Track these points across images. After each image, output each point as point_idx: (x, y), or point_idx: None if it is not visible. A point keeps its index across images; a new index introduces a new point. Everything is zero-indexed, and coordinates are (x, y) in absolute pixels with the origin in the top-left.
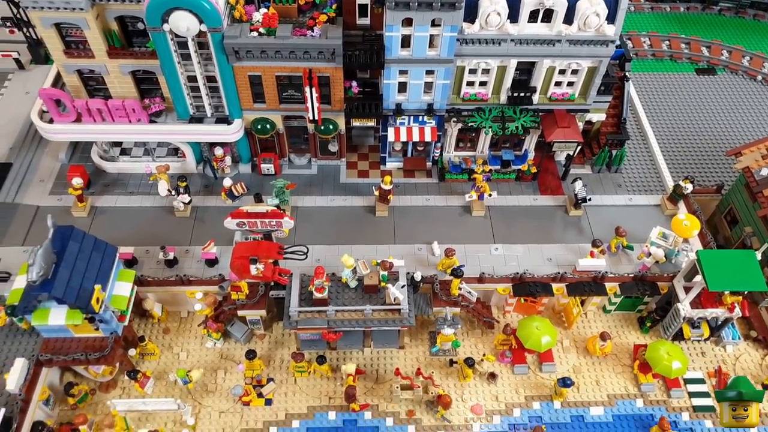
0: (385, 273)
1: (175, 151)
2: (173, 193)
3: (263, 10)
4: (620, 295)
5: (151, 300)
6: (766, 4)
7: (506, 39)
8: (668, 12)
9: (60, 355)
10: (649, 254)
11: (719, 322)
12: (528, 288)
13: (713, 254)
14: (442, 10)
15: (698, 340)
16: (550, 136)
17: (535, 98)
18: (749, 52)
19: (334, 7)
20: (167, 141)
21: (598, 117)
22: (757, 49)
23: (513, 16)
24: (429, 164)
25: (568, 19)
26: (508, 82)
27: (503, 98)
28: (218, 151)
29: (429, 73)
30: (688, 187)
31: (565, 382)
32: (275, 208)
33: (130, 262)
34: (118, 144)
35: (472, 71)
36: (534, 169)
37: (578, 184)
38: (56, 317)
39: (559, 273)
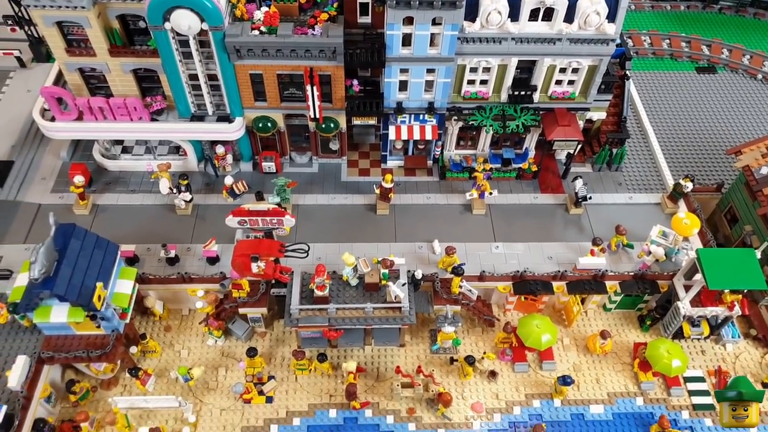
0: (386, 271)
1: (176, 150)
2: (174, 191)
3: (264, 9)
4: (620, 293)
5: (152, 298)
6: (766, 3)
7: (507, 38)
8: (669, 11)
9: (61, 352)
10: (650, 253)
11: (719, 321)
12: (528, 286)
13: (713, 253)
14: (443, 8)
15: (698, 339)
16: (550, 134)
17: (536, 97)
18: (749, 50)
19: (335, 5)
20: (168, 139)
21: (598, 115)
22: (757, 47)
23: (514, 15)
24: (430, 162)
25: (569, 17)
26: (508, 81)
27: (504, 97)
28: (219, 150)
29: (430, 71)
30: (689, 186)
31: (565, 381)
32: (276, 206)
33: (132, 260)
34: (119, 142)
35: (473, 70)
36: (534, 168)
37: (579, 183)
38: (58, 315)
39: (559, 271)
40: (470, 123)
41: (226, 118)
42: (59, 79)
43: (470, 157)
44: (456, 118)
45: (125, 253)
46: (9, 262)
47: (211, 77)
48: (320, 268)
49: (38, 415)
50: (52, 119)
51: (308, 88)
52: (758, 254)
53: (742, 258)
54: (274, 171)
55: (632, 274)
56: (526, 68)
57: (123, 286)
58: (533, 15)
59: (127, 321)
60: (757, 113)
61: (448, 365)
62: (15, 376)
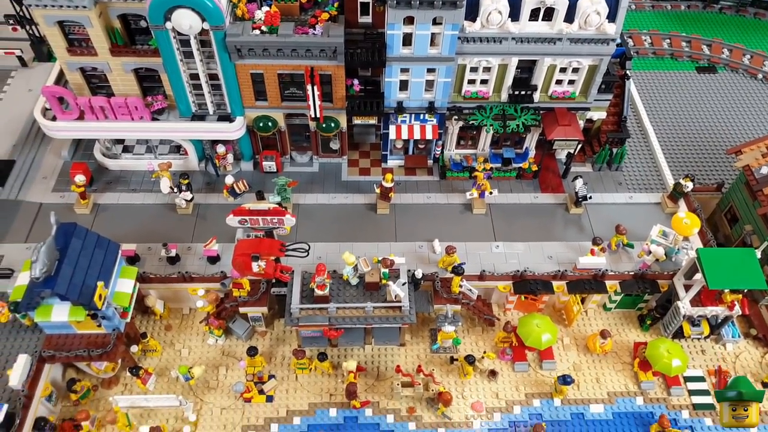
0: (386, 270)
1: (177, 149)
2: (175, 190)
3: (265, 8)
4: (620, 292)
5: (153, 297)
6: (766, 3)
7: (507, 37)
8: (669, 10)
9: (62, 351)
10: (650, 252)
11: (719, 320)
12: (528, 286)
13: (713, 252)
14: (443, 8)
15: (698, 338)
16: (550, 134)
17: (536, 96)
18: (750, 50)
19: (335, 5)
20: (169, 138)
21: (598, 115)
22: (757, 47)
23: (514, 15)
24: (430, 162)
25: (569, 17)
26: (509, 81)
27: (504, 96)
28: (220, 149)
29: (430, 71)
30: (689, 186)
31: (565, 380)
32: (277, 205)
33: (133, 259)
34: (120, 141)
35: (474, 69)
36: (535, 167)
37: (579, 182)
38: (59, 314)
39: (559, 271)
40: (470, 122)
41: (226, 118)
42: (60, 79)
43: (470, 156)
44: (456, 117)
45: (126, 252)
46: (10, 261)
47: (212, 77)
48: (320, 267)
49: (39, 413)
50: (54, 118)
51: (309, 87)
52: (758, 254)
53: (742, 258)
54: (275, 170)
55: (632, 273)
56: (527, 68)
57: (124, 285)
58: (533, 15)
59: (128, 320)
60: (757, 113)
61: (449, 364)
62: (16, 375)
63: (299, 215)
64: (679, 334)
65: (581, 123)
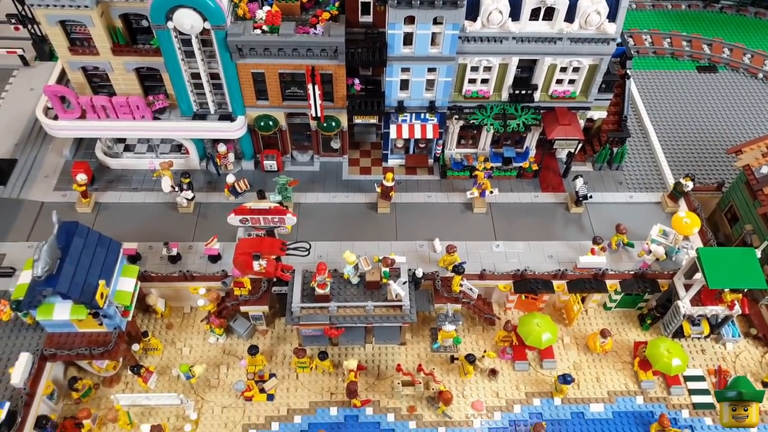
0: (387, 269)
1: (178, 148)
2: (176, 189)
3: (266, 8)
4: (621, 292)
5: (154, 296)
6: (767, 2)
7: (508, 37)
8: (670, 10)
9: (64, 349)
10: (650, 252)
11: (719, 320)
12: (529, 285)
13: (713, 252)
14: (444, 8)
15: (698, 338)
16: (551, 133)
17: (537, 96)
18: (750, 50)
19: (336, 4)
20: (171, 138)
21: (599, 114)
22: (758, 47)
23: (514, 14)
24: (431, 161)
25: (570, 17)
26: (509, 80)
27: (505, 96)
28: (221, 148)
29: (431, 70)
30: (689, 185)
31: (565, 379)
32: (278, 204)
33: (134, 258)
34: (121, 140)
35: (474, 69)
36: (535, 167)
37: (579, 182)
38: (61, 312)
39: (559, 270)
40: (471, 122)
41: (228, 117)
42: (62, 78)
43: (471, 155)
44: (457, 116)
45: (127, 251)
46: (12, 259)
47: (213, 76)
48: (321, 266)
49: (41, 412)
50: (55, 117)
51: (310, 87)
52: (758, 253)
53: (743, 257)
54: (276, 169)
55: (632, 273)
56: (527, 67)
57: (125, 283)
58: (534, 14)
59: (129, 319)
60: (757, 112)
61: (449, 363)
62: (18, 373)
63: (300, 214)
64: (679, 333)
65: (582, 122)
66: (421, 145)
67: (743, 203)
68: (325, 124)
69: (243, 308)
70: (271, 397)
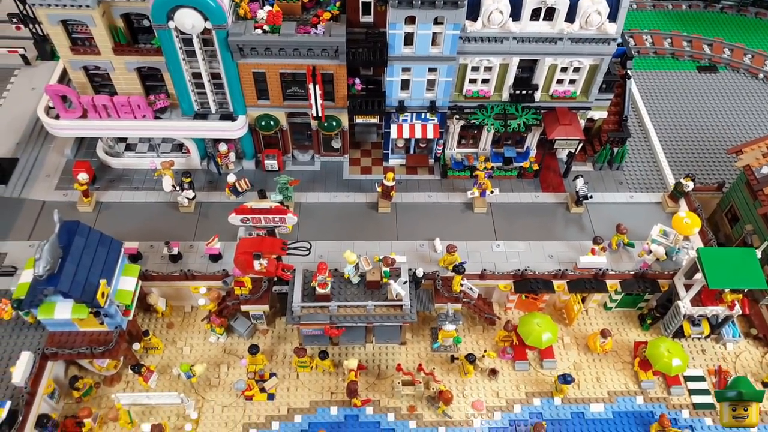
0: (387, 269)
1: (179, 147)
2: (178, 188)
3: (267, 8)
4: (621, 292)
5: (155, 295)
6: (767, 3)
7: (508, 37)
8: (670, 10)
9: (65, 348)
10: (650, 252)
11: (719, 320)
12: (529, 285)
13: (714, 252)
14: (444, 8)
15: (699, 338)
16: (551, 133)
17: (537, 96)
18: (751, 50)
19: (337, 4)
20: (172, 137)
21: (599, 114)
22: (758, 47)
23: (515, 14)
24: (431, 161)
25: (570, 17)
26: (510, 80)
27: (505, 96)
28: (222, 148)
29: (432, 70)
30: (689, 185)
31: (565, 379)
32: (279, 204)
33: (135, 257)
34: (123, 140)
35: (475, 69)
36: (536, 167)
37: (580, 182)
38: (62, 311)
39: (560, 270)
40: (472, 122)
41: (229, 117)
42: (64, 77)
43: (472, 155)
44: (457, 116)
45: (128, 251)
46: (13, 258)
47: (215, 75)
48: (322, 265)
49: (42, 410)
50: (57, 117)
51: (311, 86)
52: (759, 254)
53: (743, 257)
54: (277, 169)
55: (633, 273)
56: (528, 67)
57: (126, 283)
58: (535, 14)
59: (130, 318)
60: (758, 113)
61: (449, 363)
62: (19, 372)
63: (301, 214)
64: (679, 333)
65: (582, 122)
66: (422, 145)
67: (743, 203)
68: (326, 124)
69: (244, 307)
70: (271, 397)
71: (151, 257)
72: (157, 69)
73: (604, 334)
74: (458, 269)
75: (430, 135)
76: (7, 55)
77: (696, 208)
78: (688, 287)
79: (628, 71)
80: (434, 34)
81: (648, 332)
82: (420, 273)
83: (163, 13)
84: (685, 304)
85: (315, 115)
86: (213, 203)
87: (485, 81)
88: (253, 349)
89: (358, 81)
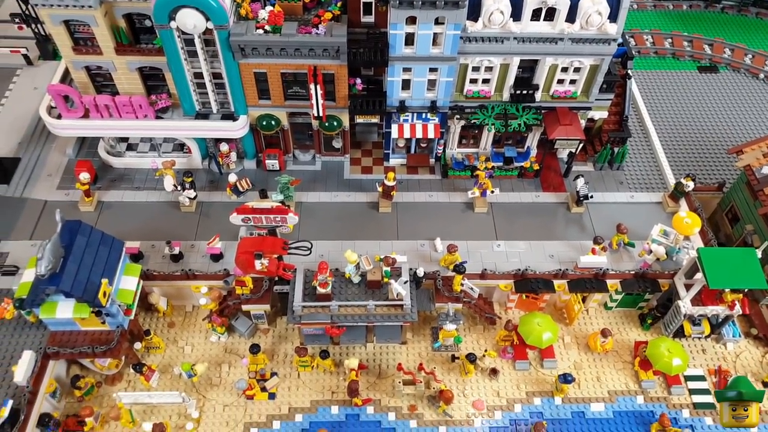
0: (388, 269)
1: (180, 147)
2: (179, 188)
3: (269, 8)
4: (621, 291)
5: (156, 294)
6: None
7: (509, 37)
8: (671, 10)
9: (67, 347)
10: (650, 251)
11: (720, 320)
12: (530, 284)
13: (714, 252)
14: (445, 8)
15: (699, 338)
16: (552, 133)
17: (538, 96)
18: (751, 50)
19: (338, 4)
20: (173, 137)
21: (600, 114)
22: (759, 47)
23: (516, 15)
24: (432, 161)
25: (571, 17)
26: (510, 80)
27: (506, 96)
28: (223, 147)
29: (432, 70)
30: (690, 185)
31: (566, 378)
32: (280, 203)
33: (136, 257)
34: (124, 139)
35: (475, 69)
36: (536, 167)
37: (580, 182)
38: (64, 310)
39: (560, 270)
40: (472, 122)
41: (230, 116)
42: (66, 77)
43: (472, 155)
44: (458, 116)
45: (130, 250)
46: (15, 258)
47: (216, 75)
48: (323, 265)
49: (43, 409)
50: (59, 116)
51: (312, 86)
52: (759, 254)
53: (743, 257)
54: (278, 169)
55: (633, 272)
56: (528, 67)
57: (128, 282)
58: (535, 15)
59: (132, 317)
60: (758, 113)
61: (450, 363)
62: (21, 371)
63: (302, 213)
64: (679, 333)
65: (583, 122)
66: (423, 145)
67: (744, 203)
68: (326, 124)
69: (245, 307)
70: (272, 396)
71: (153, 257)
72: (158, 69)
73: (604, 333)
74: (459, 269)
75: (431, 135)
76: (9, 54)
77: (696, 208)
78: (688, 287)
79: (629, 71)
80: (435, 34)
81: (648, 332)
82: (421, 272)
83: (164, 13)
84: (685, 304)
85: (316, 114)
86: (214, 203)
87: (486, 81)
88: (254, 349)
89: (359, 81)
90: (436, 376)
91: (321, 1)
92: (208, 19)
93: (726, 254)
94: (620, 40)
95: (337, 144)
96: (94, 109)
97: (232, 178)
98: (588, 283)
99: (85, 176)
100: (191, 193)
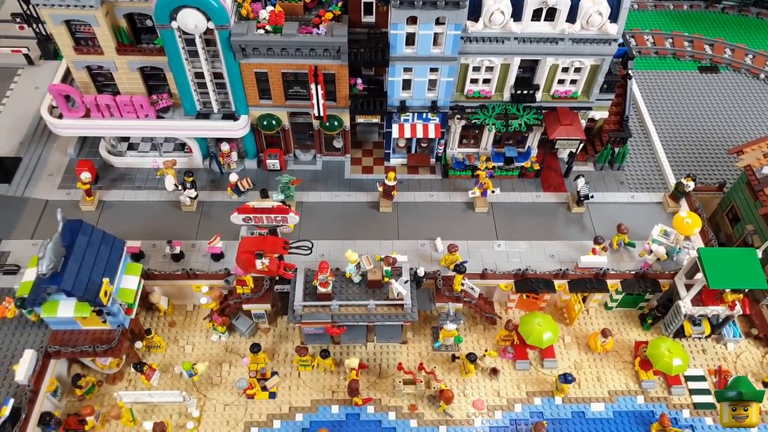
0: (389, 268)
1: (181, 147)
2: (180, 187)
3: (270, 8)
4: (622, 291)
5: (157, 293)
6: None
7: (510, 37)
8: (671, 10)
9: (68, 347)
10: (651, 251)
11: (720, 320)
12: (530, 284)
13: (714, 252)
14: (446, 8)
15: (699, 338)
16: (553, 133)
17: (539, 96)
18: (752, 50)
19: (339, 4)
20: (174, 136)
21: (600, 115)
22: (759, 47)
23: (516, 15)
24: (433, 161)
25: (571, 17)
26: (511, 80)
27: (507, 96)
28: (224, 147)
29: (433, 70)
30: (690, 185)
31: (566, 378)
32: (281, 203)
33: (137, 256)
34: (125, 139)
35: (476, 69)
36: (537, 166)
37: (581, 182)
38: (65, 310)
39: (561, 269)
40: (473, 121)
41: (231, 116)
42: (67, 77)
43: (473, 155)
44: (459, 116)
45: (131, 249)
46: (17, 257)
47: (217, 75)
48: (323, 265)
49: (45, 408)
50: (60, 116)
51: (313, 86)
52: (759, 254)
53: (744, 257)
54: (279, 168)
55: (633, 272)
56: (529, 67)
57: (129, 281)
58: (536, 15)
59: (133, 316)
60: (759, 113)
61: (450, 362)
62: (22, 370)
63: (302, 213)
64: (680, 333)
65: (583, 122)
66: (423, 145)
67: (744, 203)
68: (327, 124)
69: (245, 306)
70: (273, 395)
71: (154, 256)
72: (159, 69)
73: (604, 333)
74: (459, 269)
75: (432, 135)
76: (10, 54)
77: (697, 208)
78: (688, 287)
79: (629, 71)
80: (436, 34)
81: (649, 332)
82: (421, 272)
83: (166, 13)
84: (685, 304)
85: (317, 114)
86: (215, 202)
87: (486, 81)
88: (255, 348)
89: (359, 81)
90: (437, 375)
91: (322, 1)
92: (209, 19)
93: (726, 254)
94: (621, 40)
95: (338, 144)
96: (95, 108)
97: (233, 177)
98: (588, 283)
99: (86, 176)
100: (192, 193)
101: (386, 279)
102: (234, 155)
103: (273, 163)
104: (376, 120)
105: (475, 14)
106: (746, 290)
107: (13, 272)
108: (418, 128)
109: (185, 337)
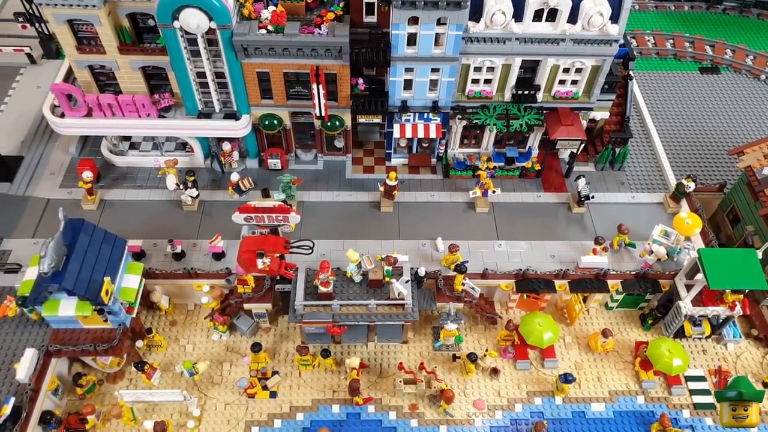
0: (390, 268)
1: (183, 146)
2: (181, 187)
3: (272, 8)
4: (622, 292)
5: (158, 292)
6: None
7: (511, 38)
8: (672, 11)
9: (69, 345)
10: (651, 252)
11: (720, 320)
12: (531, 284)
13: (715, 253)
14: (447, 9)
15: (699, 338)
16: (554, 133)
17: (540, 96)
18: (753, 51)
19: (341, 4)
20: (176, 136)
21: (601, 115)
22: (760, 48)
23: (518, 15)
24: (434, 161)
25: (572, 18)
26: (512, 80)
27: (508, 96)
28: (226, 146)
29: (434, 70)
30: (691, 186)
31: (566, 378)
32: (282, 203)
33: (139, 255)
34: (127, 138)
35: (477, 69)
36: (538, 167)
37: (581, 182)
38: (66, 308)
39: (561, 270)
40: (474, 122)
41: (232, 116)
42: (69, 76)
43: (474, 155)
44: (460, 116)
45: (132, 248)
46: (18, 256)
47: (219, 75)
48: (324, 264)
49: (45, 407)
50: (62, 115)
51: (314, 86)
52: (760, 254)
53: (744, 258)
54: (280, 168)
55: (634, 273)
56: (530, 68)
57: (130, 280)
58: (537, 15)
59: (134, 315)
60: (759, 114)
61: (451, 362)
62: (23, 369)
63: (304, 213)
64: (680, 333)
65: (584, 123)
66: (425, 145)
67: (745, 204)
68: (329, 123)
69: (246, 306)
70: (273, 395)
71: (155, 255)
72: (161, 68)
73: (605, 333)
74: (460, 268)
75: (433, 135)
76: (13, 53)
77: (697, 208)
78: (689, 288)
79: (630, 72)
80: (437, 34)
81: (649, 332)
82: (422, 272)
83: (168, 12)
84: (686, 305)
85: (318, 114)
86: (216, 202)
87: (488, 81)
88: (256, 347)
89: (361, 81)
90: (437, 375)
91: (323, 1)
92: (211, 19)
93: (727, 255)
94: (622, 41)
95: (339, 143)
96: (97, 108)
97: (235, 177)
98: (589, 283)
99: (87, 175)
100: (193, 192)
101: (387, 279)
102: (235, 155)
103: (274, 162)
104: (377, 120)
105: (476, 15)
106: (746, 291)
107: (15, 271)
108: (419, 128)
109: (186, 336)
